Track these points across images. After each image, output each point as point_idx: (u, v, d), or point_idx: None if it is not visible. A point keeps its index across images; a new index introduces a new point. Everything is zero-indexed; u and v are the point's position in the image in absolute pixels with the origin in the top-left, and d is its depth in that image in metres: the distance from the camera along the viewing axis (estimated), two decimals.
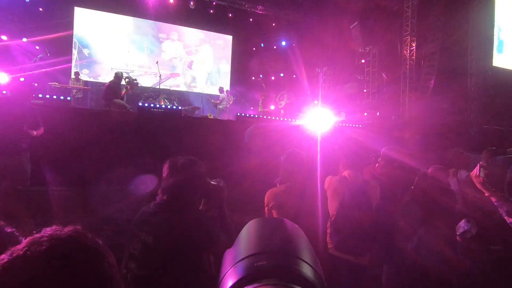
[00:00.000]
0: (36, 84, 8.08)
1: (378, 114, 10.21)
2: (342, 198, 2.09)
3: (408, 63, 9.62)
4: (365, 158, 2.58)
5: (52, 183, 4.02)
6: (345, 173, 2.26)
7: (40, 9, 9.41)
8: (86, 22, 9.78)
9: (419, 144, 7.18)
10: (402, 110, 9.61)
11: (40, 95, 5.33)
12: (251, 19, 11.75)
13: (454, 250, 2.50)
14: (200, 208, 1.63)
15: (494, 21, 10.44)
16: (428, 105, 9.30)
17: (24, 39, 9.12)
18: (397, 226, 2.52)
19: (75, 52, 9.52)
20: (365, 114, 10.39)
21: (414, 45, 9.56)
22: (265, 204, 2.10)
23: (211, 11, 11.03)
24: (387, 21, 10.27)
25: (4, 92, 4.74)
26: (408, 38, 9.59)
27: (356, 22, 10.79)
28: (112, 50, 9.91)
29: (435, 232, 2.46)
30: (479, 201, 2.14)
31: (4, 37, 8.70)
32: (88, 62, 9.66)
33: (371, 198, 2.16)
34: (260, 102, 9.89)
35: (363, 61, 10.70)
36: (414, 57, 9.59)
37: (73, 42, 9.50)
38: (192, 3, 10.67)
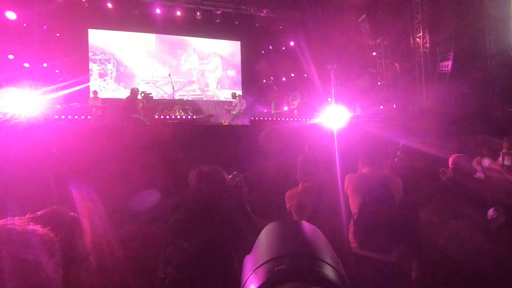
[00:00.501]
0: (58, 106, 8.48)
1: (394, 106, 9.97)
2: (363, 195, 2.06)
3: (422, 50, 9.36)
4: (384, 153, 2.53)
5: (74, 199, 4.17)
6: (365, 169, 2.23)
7: (57, 34, 9.89)
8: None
9: (440, 133, 6.94)
10: (420, 99, 9.34)
11: (63, 116, 5.59)
12: (257, 24, 11.82)
13: (488, 240, 2.40)
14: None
15: None
16: (446, 92, 8.97)
17: (45, 64, 9.61)
18: (424, 219, 2.45)
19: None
20: (381, 107, 10.16)
21: (426, 32, 9.29)
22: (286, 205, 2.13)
23: (218, 19, 11.21)
24: (396, 10, 10.04)
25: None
26: (420, 26, 9.34)
27: (364, 15, 10.62)
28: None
29: (467, 223, 2.37)
30: (507, 188, 2.05)
31: (26, 65, 9.20)
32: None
33: (393, 192, 2.11)
34: (272, 104, 9.94)
35: (374, 53, 10.50)
36: (427, 44, 9.32)
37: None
38: (198, 13, 10.88)
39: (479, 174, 2.89)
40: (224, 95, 12.08)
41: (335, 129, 6.89)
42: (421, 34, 9.36)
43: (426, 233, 2.51)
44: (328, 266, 0.40)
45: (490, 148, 3.29)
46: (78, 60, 10.20)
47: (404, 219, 2.07)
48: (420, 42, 9.39)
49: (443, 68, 9.32)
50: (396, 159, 2.76)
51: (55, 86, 8.42)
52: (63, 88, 8.57)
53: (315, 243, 0.46)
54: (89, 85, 10.44)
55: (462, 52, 9.12)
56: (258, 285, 0.38)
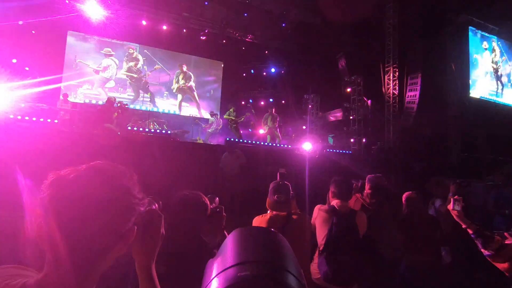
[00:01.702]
0: (23, 105, 7.98)
1: (364, 140, 10.49)
2: (331, 228, 2.11)
3: (391, 92, 10.09)
4: (353, 187, 2.64)
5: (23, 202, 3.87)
6: (334, 202, 2.30)
7: (33, 31, 9.50)
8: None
9: (403, 171, 7.37)
10: (387, 137, 9.94)
11: (27, 118, 5.27)
12: (242, 47, 12.18)
13: (441, 277, 2.54)
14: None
15: (469, 54, 11.20)
16: (411, 133, 9.66)
17: (14, 60, 9.11)
18: (384, 254, 2.55)
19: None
20: (352, 140, 10.66)
21: (396, 75, 10.09)
22: None
23: (203, 38, 11.42)
24: (371, 53, 10.88)
25: None
26: (390, 69, 10.14)
27: (342, 53, 11.36)
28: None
29: (419, 259, 2.50)
30: (456, 230, 2.21)
31: None
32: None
33: (358, 227, 2.18)
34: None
35: (349, 89, 11.13)
36: (397, 86, 10.08)
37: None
38: (184, 30, 11.04)
39: (431, 212, 3.10)
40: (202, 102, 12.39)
41: (307, 157, 7.09)
42: (391, 77, 10.14)
43: (385, 267, 2.61)
44: (291, 275, 0.40)
45: (443, 189, 3.56)
46: (53, 60, 9.80)
47: (366, 254, 2.13)
48: (390, 84, 10.15)
49: (409, 111, 10.08)
50: (364, 193, 2.88)
51: (22, 83, 7.99)
52: (32, 87, 8.14)
53: (280, 252, 0.45)
54: (60, 87, 9.99)
55: (426, 97, 9.97)
56: None
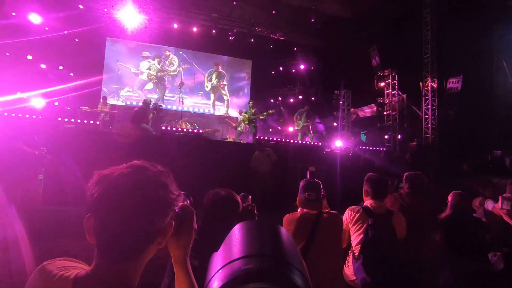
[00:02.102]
0: (68, 108, 8.65)
1: (400, 137, 9.99)
2: (366, 231, 2.02)
3: (430, 85, 9.49)
4: (388, 185, 2.49)
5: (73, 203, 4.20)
6: (367, 202, 2.20)
7: (76, 40, 10.24)
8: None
9: (443, 169, 6.91)
10: (425, 133, 9.38)
11: (72, 120, 5.70)
12: (270, 45, 12.15)
13: (492, 284, 2.33)
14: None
15: None
16: (452, 127, 9.02)
17: (60, 67, 9.90)
18: (424, 259, 2.40)
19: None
20: (386, 137, 10.20)
21: (435, 67, 9.46)
22: None
23: (232, 37, 11.57)
24: (406, 44, 10.29)
25: (34, 116, 5.13)
26: (428, 61, 9.53)
27: (374, 46, 10.89)
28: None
29: (465, 265, 2.32)
30: (508, 233, 2.02)
31: (43, 66, 9.49)
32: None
33: (396, 230, 2.07)
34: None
35: (382, 84, 10.65)
36: (436, 79, 9.46)
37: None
38: (214, 31, 11.25)
39: (478, 214, 2.86)
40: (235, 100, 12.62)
41: (339, 155, 6.92)
42: (429, 69, 9.53)
43: (427, 273, 2.45)
44: (296, 270, 0.40)
45: (493, 189, 3.25)
46: (94, 66, 10.50)
47: (407, 258, 2.01)
48: (428, 76, 9.55)
49: (450, 104, 9.41)
50: (401, 192, 2.72)
51: (67, 86, 8.68)
52: (76, 91, 8.80)
53: (285, 246, 0.45)
54: (101, 90, 10.68)
55: (468, 89, 9.24)
56: (222, 283, 0.38)
